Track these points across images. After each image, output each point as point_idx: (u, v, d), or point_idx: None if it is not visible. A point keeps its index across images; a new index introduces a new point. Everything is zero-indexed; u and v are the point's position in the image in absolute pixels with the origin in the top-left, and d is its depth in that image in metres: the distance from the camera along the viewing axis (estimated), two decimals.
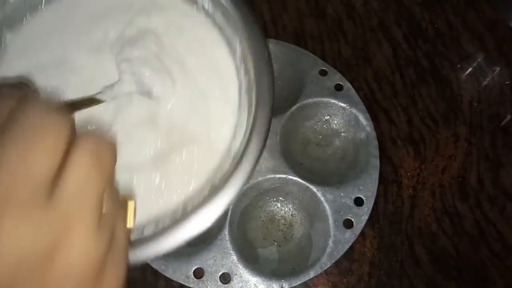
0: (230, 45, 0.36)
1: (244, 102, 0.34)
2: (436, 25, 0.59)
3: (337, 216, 0.45)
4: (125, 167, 0.29)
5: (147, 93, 0.34)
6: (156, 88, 0.34)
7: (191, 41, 0.36)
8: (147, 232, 0.29)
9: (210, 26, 0.37)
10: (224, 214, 0.44)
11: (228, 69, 0.36)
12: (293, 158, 0.49)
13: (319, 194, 0.46)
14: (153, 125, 0.34)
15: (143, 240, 0.28)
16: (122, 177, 0.28)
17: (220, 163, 0.33)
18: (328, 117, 0.52)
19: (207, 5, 0.37)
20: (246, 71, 0.34)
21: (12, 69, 0.33)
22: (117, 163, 0.21)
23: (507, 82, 0.55)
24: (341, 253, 0.44)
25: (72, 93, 0.32)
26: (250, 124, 0.32)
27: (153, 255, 0.28)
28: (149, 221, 0.30)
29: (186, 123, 0.34)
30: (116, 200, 0.22)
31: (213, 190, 0.30)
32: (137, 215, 0.27)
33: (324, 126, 0.52)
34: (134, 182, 0.32)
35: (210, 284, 0.42)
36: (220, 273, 0.43)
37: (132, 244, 0.27)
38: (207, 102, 0.35)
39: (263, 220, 0.48)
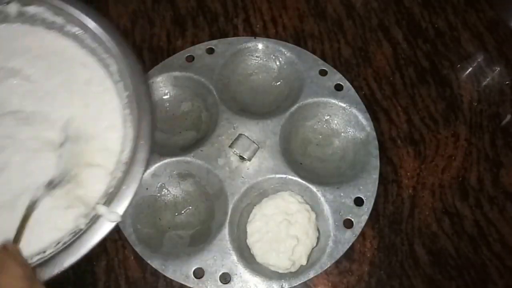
0: (105, 66, 0.41)
1: (128, 117, 0.39)
2: (436, 25, 0.59)
3: (337, 216, 0.45)
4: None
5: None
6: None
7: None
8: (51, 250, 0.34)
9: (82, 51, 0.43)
10: (224, 214, 0.45)
11: (109, 88, 0.41)
12: (293, 158, 0.49)
13: (319, 194, 0.46)
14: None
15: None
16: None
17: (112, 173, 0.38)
18: (328, 117, 0.52)
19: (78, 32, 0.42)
20: (126, 87, 0.39)
21: None
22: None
23: (507, 82, 0.55)
24: (341, 253, 0.44)
25: None
26: (136, 133, 0.37)
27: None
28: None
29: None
30: None
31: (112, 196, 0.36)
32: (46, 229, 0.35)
33: (324, 126, 0.52)
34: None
35: (210, 284, 0.42)
36: (220, 273, 0.43)
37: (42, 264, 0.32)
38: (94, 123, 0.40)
39: None
